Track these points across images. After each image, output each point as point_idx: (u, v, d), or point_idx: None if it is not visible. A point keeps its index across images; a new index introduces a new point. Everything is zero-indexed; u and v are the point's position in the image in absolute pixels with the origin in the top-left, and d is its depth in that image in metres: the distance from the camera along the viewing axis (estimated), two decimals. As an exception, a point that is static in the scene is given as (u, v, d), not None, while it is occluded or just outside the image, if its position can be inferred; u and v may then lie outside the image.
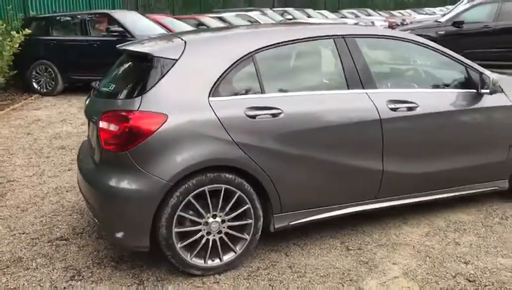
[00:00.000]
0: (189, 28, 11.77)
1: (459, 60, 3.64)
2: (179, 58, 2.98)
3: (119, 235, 2.90)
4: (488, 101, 3.60)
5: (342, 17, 23.58)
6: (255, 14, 17.72)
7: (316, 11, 23.57)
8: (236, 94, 3.06)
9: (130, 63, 3.35)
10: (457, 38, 11.30)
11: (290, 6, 24.86)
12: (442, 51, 3.63)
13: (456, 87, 3.67)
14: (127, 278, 3.05)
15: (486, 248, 3.30)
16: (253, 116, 2.98)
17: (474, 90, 3.57)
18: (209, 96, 2.95)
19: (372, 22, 23.98)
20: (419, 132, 3.41)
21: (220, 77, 3.00)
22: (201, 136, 2.88)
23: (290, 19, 19.71)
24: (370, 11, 27.78)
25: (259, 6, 23.39)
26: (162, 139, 2.82)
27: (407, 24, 17.45)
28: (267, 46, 3.17)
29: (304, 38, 3.33)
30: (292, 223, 3.21)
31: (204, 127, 2.90)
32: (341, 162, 3.21)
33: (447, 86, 3.72)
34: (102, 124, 2.92)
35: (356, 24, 18.63)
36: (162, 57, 2.98)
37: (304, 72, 3.40)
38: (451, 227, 3.61)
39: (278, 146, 3.03)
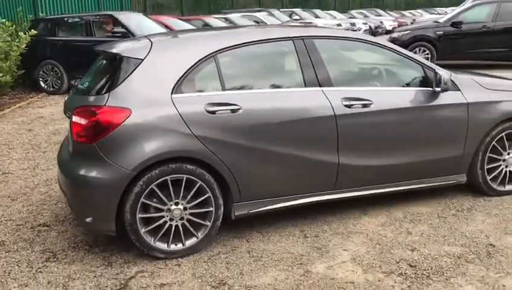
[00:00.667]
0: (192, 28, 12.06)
1: (415, 60, 3.85)
2: (144, 58, 3.25)
3: (88, 220, 3.18)
4: (444, 98, 3.80)
5: (350, 18, 23.72)
6: (261, 15, 17.99)
7: (324, 11, 23.74)
8: (197, 91, 3.32)
9: (104, 62, 3.63)
10: (456, 39, 11.42)
11: (299, 6, 25.04)
12: (399, 51, 3.84)
13: (412, 85, 3.88)
14: (97, 260, 3.32)
15: (435, 237, 3.51)
16: (213, 112, 3.24)
17: (430, 88, 3.77)
18: (172, 93, 3.21)
19: (381, 22, 24.07)
20: (373, 127, 3.62)
21: (183, 75, 3.26)
22: (163, 130, 3.15)
23: (297, 20, 19.92)
24: (380, 11, 27.84)
25: (269, 7, 23.64)
26: (126, 132, 3.09)
27: (408, 25, 17.52)
28: (229, 46, 3.43)
29: (264, 40, 3.57)
30: (252, 211, 3.46)
31: (166, 122, 3.16)
32: (298, 155, 3.44)
33: (403, 84, 3.93)
34: (75, 118, 3.20)
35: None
36: (129, 57, 3.26)
37: (263, 71, 3.64)
38: (408, 218, 3.82)
39: (237, 140, 3.28)
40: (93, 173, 3.12)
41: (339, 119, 3.48)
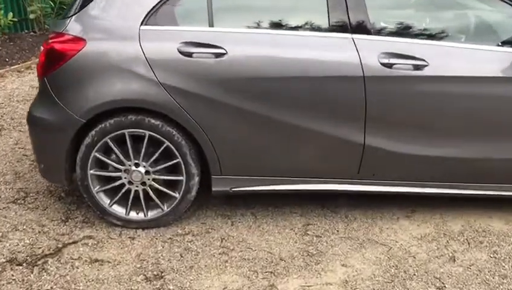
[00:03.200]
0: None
1: (516, 4, 2.50)
2: (113, -24, 2.54)
3: (41, 166, 2.73)
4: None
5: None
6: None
7: None
8: (175, 24, 2.53)
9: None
10: None
11: None
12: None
13: (503, 43, 2.56)
14: (59, 212, 2.89)
15: (487, 276, 2.36)
16: (189, 54, 2.44)
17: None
18: (141, 24, 2.48)
19: None
20: (424, 101, 2.48)
21: (161, 0, 2.49)
22: (122, 70, 2.47)
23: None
24: None
25: None
26: (77, 68, 2.48)
27: None
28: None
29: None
30: (235, 189, 2.67)
31: (126, 61, 2.47)
32: (302, 126, 2.51)
33: (487, 39, 2.61)
34: (41, 49, 2.69)
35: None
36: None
37: (269, 5, 2.65)
38: (465, 235, 2.67)
39: (218, 95, 2.47)
40: (44, 115, 2.61)
41: (369, 83, 2.42)
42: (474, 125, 2.53)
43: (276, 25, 2.54)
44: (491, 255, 2.49)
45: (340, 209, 2.92)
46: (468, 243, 2.60)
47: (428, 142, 2.54)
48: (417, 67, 2.42)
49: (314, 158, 2.61)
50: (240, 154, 2.60)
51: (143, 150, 2.56)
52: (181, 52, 2.43)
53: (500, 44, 2.57)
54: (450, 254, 2.51)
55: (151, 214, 2.69)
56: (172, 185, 2.65)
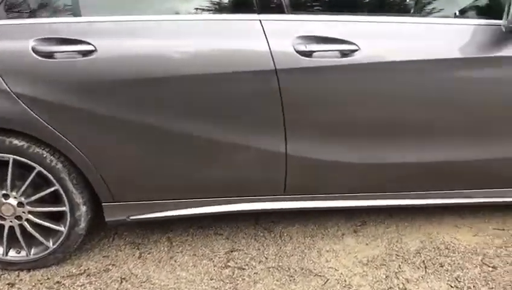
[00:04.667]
0: None
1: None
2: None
3: None
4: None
5: None
6: None
7: None
8: (30, 16, 1.95)
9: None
10: None
11: None
12: None
13: (457, 14, 1.98)
14: None
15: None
16: (48, 54, 1.87)
17: (497, 22, 1.86)
18: (-14, 18, 1.90)
19: None
20: (358, 96, 1.92)
21: (9, -15, 1.91)
22: (-37, 81, 1.90)
23: None
24: None
25: None
26: None
27: None
28: None
29: None
30: (134, 217, 2.14)
31: (-33, 68, 1.90)
32: (204, 136, 1.96)
33: (436, 11, 2.03)
34: None
35: None
36: None
37: None
38: (422, 256, 2.15)
39: (91, 105, 1.91)
40: None
41: (283, 78, 1.86)
42: (426, 123, 1.97)
43: (162, 10, 1.95)
44: (452, 285, 1.98)
45: (276, 225, 2.42)
46: (425, 268, 2.08)
47: (367, 146, 2.00)
48: (345, 54, 1.85)
49: (228, 174, 2.08)
50: (132, 176, 2.06)
51: (9, 178, 2.02)
52: (37, 52, 1.86)
53: (456, 15, 1.99)
54: (401, 285, 1.99)
55: (35, 252, 2.18)
56: (57, 217, 2.13)
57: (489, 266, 2.06)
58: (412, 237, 2.28)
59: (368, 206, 2.21)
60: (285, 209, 2.17)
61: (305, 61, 1.84)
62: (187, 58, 1.86)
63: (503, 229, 2.31)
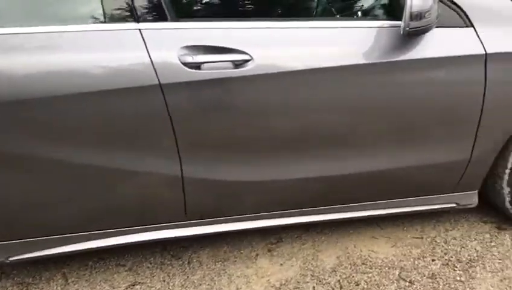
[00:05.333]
0: None
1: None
2: None
3: None
4: (433, 44, 1.76)
5: None
6: None
7: None
8: None
9: None
10: None
11: None
12: None
13: (360, 16, 1.86)
14: None
15: None
16: None
17: (398, 23, 1.74)
18: None
19: None
20: (252, 109, 1.74)
21: None
22: None
23: None
24: None
25: None
26: None
27: None
28: None
29: None
30: (13, 258, 1.88)
31: None
32: (84, 163, 1.72)
33: (338, 13, 1.90)
34: None
35: None
36: None
37: None
38: (338, 274, 2.02)
39: None
40: None
41: (169, 93, 1.65)
42: (330, 133, 1.83)
43: (25, 21, 1.69)
44: (363, 305, 1.86)
45: (185, 251, 2.21)
46: (341, 288, 1.94)
47: (271, 162, 1.83)
48: (237, 64, 1.67)
49: (122, 203, 1.85)
50: (7, 212, 1.79)
51: None
52: None
53: (359, 16, 1.87)
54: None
55: None
56: None
57: (406, 281, 1.95)
58: (329, 252, 2.15)
59: (284, 224, 2.06)
60: (192, 235, 1.98)
61: (193, 74, 1.65)
62: (61, 75, 1.62)
63: (422, 238, 2.21)
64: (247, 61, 1.67)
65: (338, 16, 1.94)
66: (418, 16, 1.57)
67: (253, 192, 1.89)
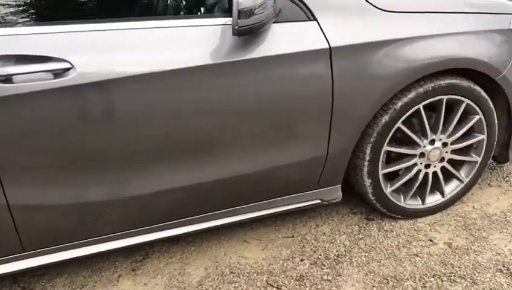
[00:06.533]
0: None
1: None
2: None
3: None
4: (274, 42, 1.67)
5: None
6: None
7: None
8: None
9: None
10: None
11: None
12: None
13: (201, 14, 1.74)
14: None
15: None
16: None
17: (229, 21, 1.62)
18: None
19: None
20: (84, 123, 1.56)
21: None
22: None
23: None
24: None
25: None
26: None
27: None
28: None
29: None
30: None
31: None
32: None
33: (175, 11, 1.77)
34: None
35: None
36: None
37: None
38: (204, 288, 1.90)
39: None
40: None
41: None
42: (174, 143, 1.70)
43: None
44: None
45: (39, 280, 1.99)
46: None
47: (113, 179, 1.67)
48: (57, 74, 1.48)
49: None
50: None
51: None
52: None
53: (200, 14, 1.73)
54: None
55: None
56: None
57: (273, 287, 1.88)
58: (197, 264, 2.02)
59: (150, 240, 1.90)
60: (36, 266, 1.76)
61: (3, 89, 1.43)
62: None
63: (293, 237, 2.16)
64: (67, 70, 1.47)
65: (181, 14, 1.79)
66: (246, 13, 1.46)
67: (105, 212, 1.71)
